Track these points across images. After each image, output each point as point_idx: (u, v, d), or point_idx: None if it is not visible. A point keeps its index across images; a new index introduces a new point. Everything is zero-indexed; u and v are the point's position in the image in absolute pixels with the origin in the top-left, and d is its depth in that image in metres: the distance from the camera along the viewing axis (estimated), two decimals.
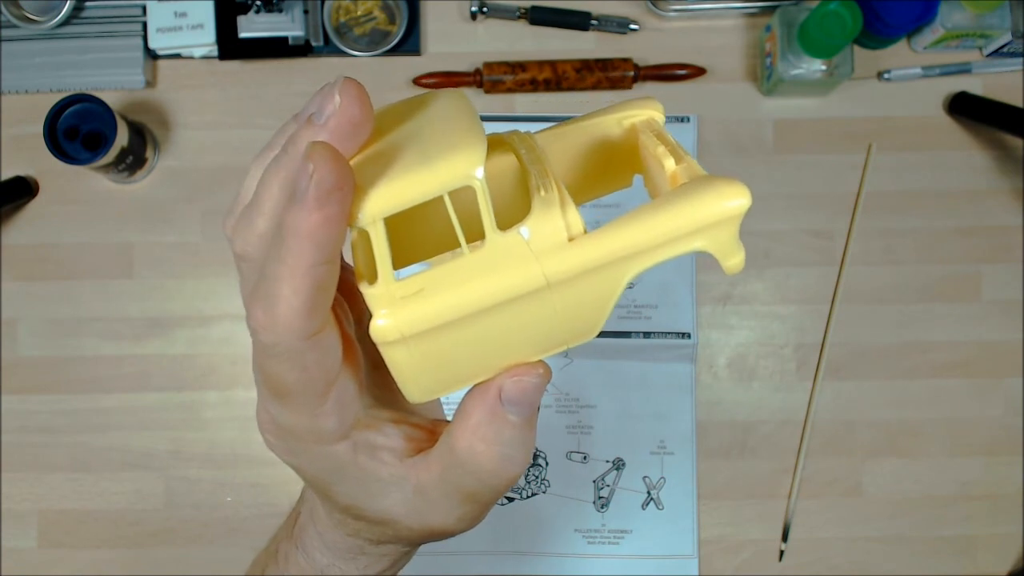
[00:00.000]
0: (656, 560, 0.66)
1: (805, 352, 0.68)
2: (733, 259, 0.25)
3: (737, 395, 0.68)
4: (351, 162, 0.23)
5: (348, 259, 0.27)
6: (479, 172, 0.22)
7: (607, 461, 0.67)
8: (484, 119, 0.68)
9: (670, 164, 0.25)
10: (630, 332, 0.67)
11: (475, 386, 0.26)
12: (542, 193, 0.24)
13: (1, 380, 0.68)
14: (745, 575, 0.67)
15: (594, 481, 0.67)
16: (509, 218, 0.25)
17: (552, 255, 0.23)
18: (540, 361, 0.26)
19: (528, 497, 0.67)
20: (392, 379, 0.31)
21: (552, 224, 0.23)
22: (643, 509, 0.67)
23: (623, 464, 0.67)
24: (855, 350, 0.68)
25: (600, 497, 0.67)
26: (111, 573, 0.67)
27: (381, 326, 0.23)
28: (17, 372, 0.68)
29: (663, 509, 0.67)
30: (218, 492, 0.67)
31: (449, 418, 0.28)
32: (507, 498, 0.67)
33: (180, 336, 0.68)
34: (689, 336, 0.67)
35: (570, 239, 0.23)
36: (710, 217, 0.23)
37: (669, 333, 0.67)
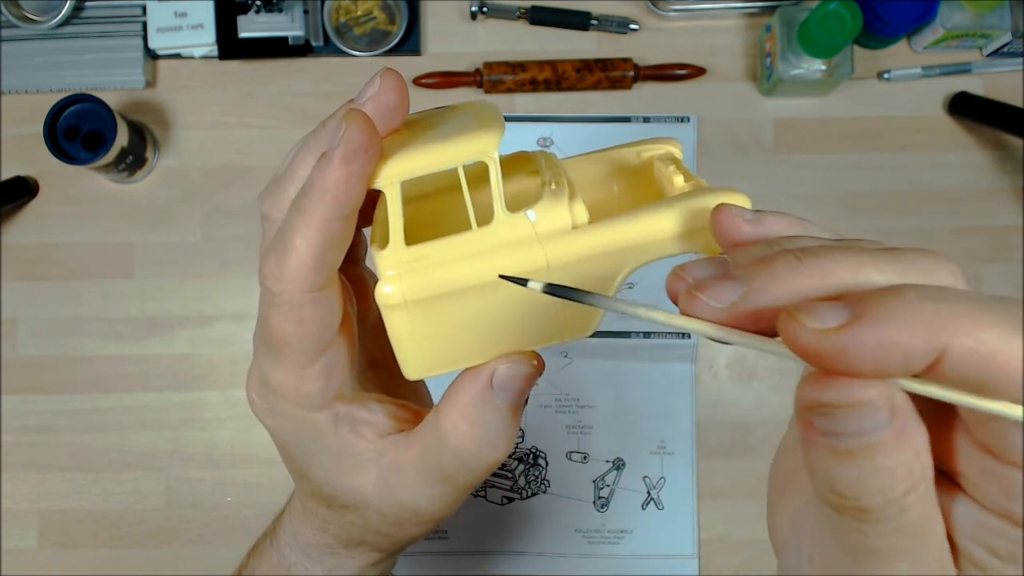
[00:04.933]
0: (656, 560, 0.66)
1: None
2: None
3: (737, 395, 0.68)
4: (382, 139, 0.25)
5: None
6: (494, 153, 0.24)
7: (607, 461, 0.67)
8: None
9: (679, 181, 0.27)
10: (630, 332, 0.67)
11: (468, 369, 0.26)
12: (553, 187, 0.25)
13: (1, 380, 0.68)
14: (745, 575, 0.67)
15: (594, 481, 0.67)
16: None
17: (555, 239, 0.24)
18: (535, 352, 0.26)
19: (528, 497, 0.67)
20: (388, 377, 0.31)
21: (558, 211, 0.24)
22: (643, 509, 0.67)
23: (623, 464, 0.67)
24: None
25: (600, 497, 0.67)
26: (111, 573, 0.67)
27: (386, 290, 0.24)
28: (17, 372, 0.68)
29: (663, 509, 0.67)
30: (218, 492, 0.67)
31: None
32: (507, 498, 0.67)
33: (180, 336, 0.68)
34: (689, 336, 0.67)
35: (574, 227, 0.25)
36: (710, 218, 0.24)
37: (669, 333, 0.67)
